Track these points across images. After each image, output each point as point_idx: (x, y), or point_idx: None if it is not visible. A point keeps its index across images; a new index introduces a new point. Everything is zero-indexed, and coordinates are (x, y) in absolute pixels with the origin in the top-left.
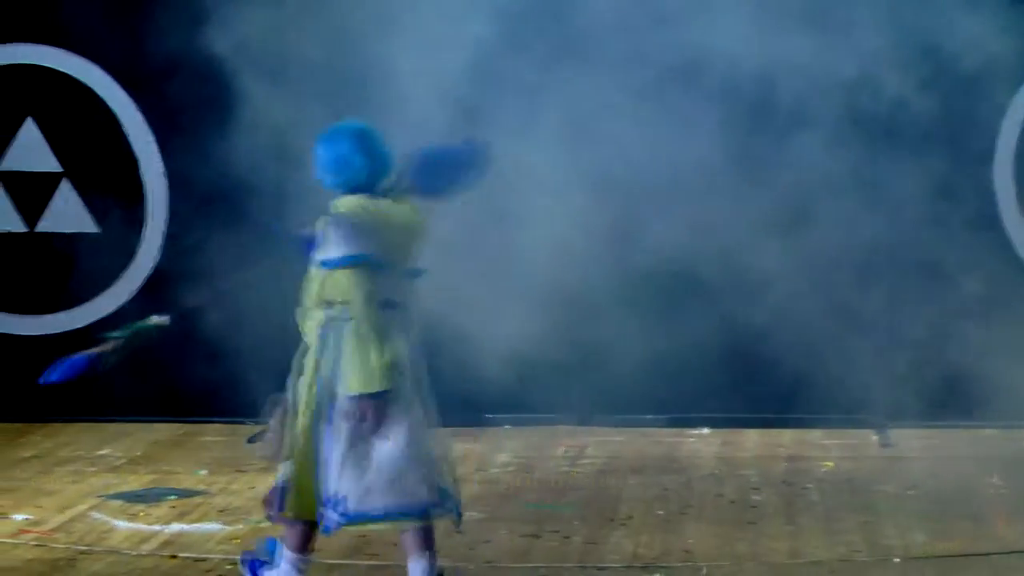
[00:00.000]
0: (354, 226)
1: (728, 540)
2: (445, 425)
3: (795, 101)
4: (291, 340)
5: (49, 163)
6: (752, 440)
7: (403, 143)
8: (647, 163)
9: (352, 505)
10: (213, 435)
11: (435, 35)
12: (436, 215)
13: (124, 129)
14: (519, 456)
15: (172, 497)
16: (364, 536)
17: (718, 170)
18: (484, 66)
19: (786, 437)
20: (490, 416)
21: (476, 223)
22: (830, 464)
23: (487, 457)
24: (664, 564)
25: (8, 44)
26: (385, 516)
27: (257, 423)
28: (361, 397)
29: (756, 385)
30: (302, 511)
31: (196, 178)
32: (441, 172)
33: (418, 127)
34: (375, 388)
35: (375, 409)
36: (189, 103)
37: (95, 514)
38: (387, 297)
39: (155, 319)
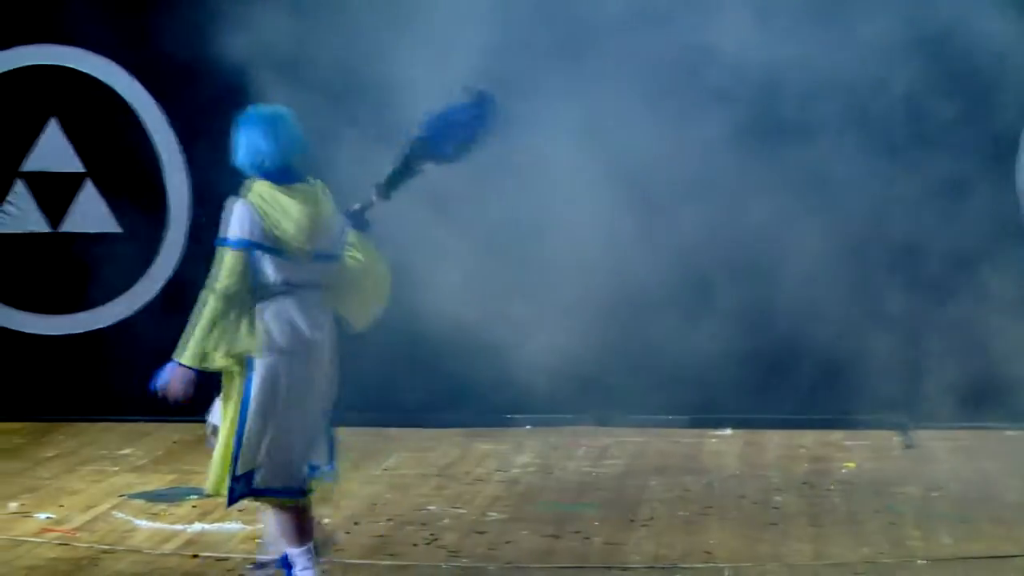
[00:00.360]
0: (246, 213)
1: (751, 541)
2: (467, 426)
3: (822, 97)
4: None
5: (72, 164)
6: (774, 441)
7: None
8: (667, 166)
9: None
10: None
11: (454, 38)
12: (460, 217)
13: (147, 130)
14: (540, 457)
15: (194, 497)
16: (384, 536)
17: (741, 171)
18: (503, 69)
19: (808, 438)
20: (511, 417)
21: (498, 225)
22: (853, 465)
23: (508, 458)
24: (686, 565)
25: (32, 45)
26: (273, 493)
27: None
28: (179, 363)
29: (778, 386)
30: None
31: (219, 179)
32: (452, 133)
33: None
34: (187, 361)
35: (182, 379)
36: (212, 104)
37: (117, 513)
38: (286, 279)
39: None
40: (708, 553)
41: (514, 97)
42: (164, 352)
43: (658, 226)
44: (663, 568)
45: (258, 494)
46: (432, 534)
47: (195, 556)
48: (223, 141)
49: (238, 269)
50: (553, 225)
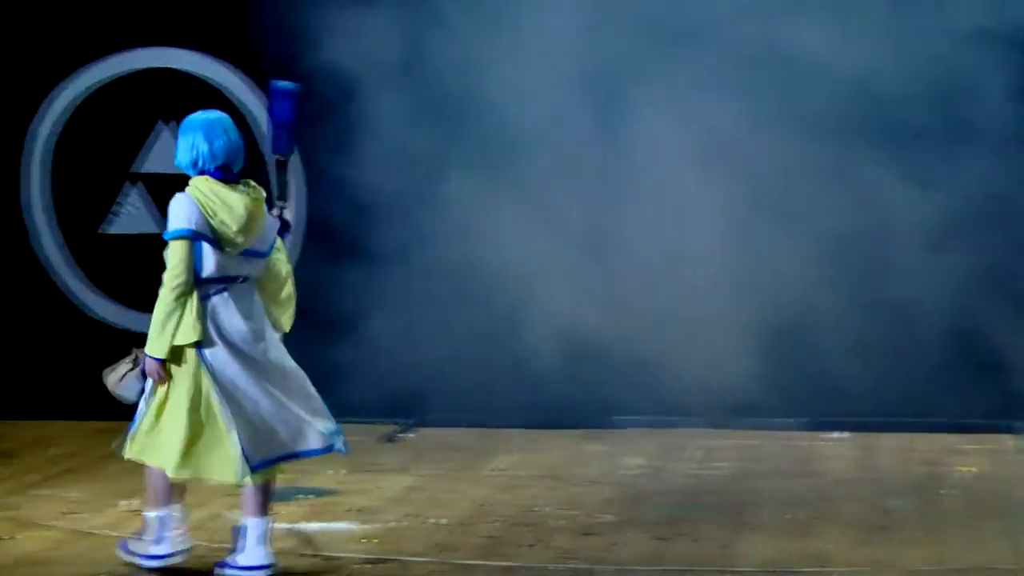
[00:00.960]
0: (187, 204)
1: (865, 546)
2: (574, 427)
3: (956, 114)
4: (424, 338)
5: None
6: (889, 444)
7: (535, 159)
8: (796, 179)
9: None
10: (347, 435)
11: (568, 54)
12: (569, 219)
13: (257, 133)
14: (651, 459)
15: (307, 496)
16: (494, 537)
17: (875, 178)
18: (622, 86)
19: (924, 441)
20: (620, 418)
21: (608, 226)
22: (971, 469)
23: (618, 460)
24: (799, 570)
25: (145, 48)
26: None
27: (395, 423)
28: (148, 357)
29: (894, 388)
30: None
31: (330, 180)
32: (280, 131)
33: (554, 147)
34: (155, 353)
35: (159, 369)
36: (322, 108)
37: (230, 513)
38: (223, 272)
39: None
40: (821, 558)
41: (633, 111)
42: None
43: (767, 233)
44: (774, 572)
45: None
46: (542, 536)
47: (306, 555)
48: (335, 144)
49: (186, 258)
50: (667, 227)
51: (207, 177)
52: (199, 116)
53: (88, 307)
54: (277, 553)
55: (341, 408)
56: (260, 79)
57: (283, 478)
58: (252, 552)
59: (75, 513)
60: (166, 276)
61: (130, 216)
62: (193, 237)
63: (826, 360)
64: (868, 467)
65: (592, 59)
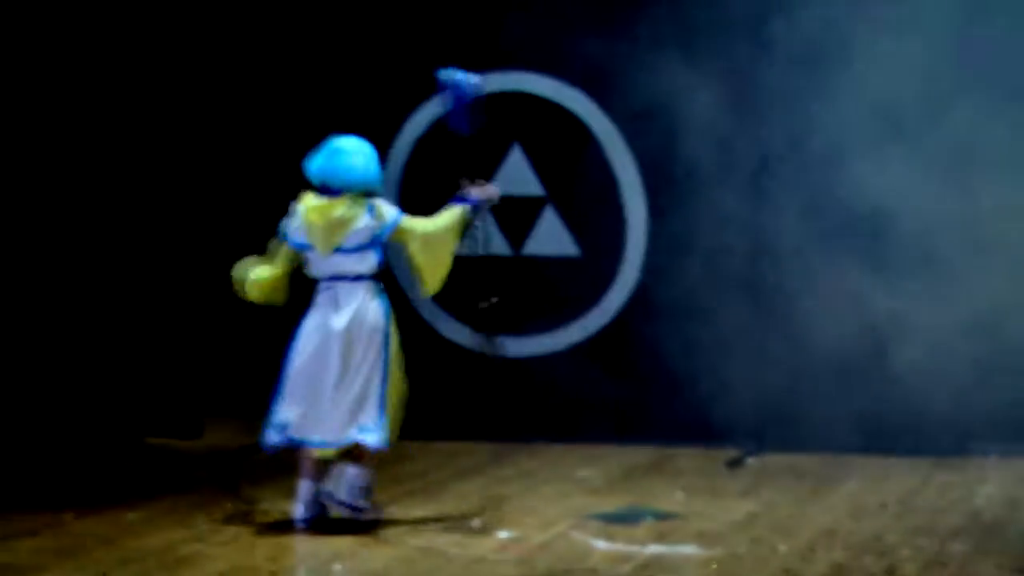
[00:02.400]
0: (291, 214)
1: None
2: (928, 454)
3: None
4: (753, 364)
5: (533, 188)
6: None
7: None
8: None
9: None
10: (689, 459)
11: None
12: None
13: (607, 157)
14: (1007, 488)
15: (650, 519)
16: (841, 564)
17: None
18: None
19: None
20: (976, 445)
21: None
22: None
23: (971, 488)
24: None
25: (500, 71)
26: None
27: (736, 448)
28: None
29: None
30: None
31: (673, 206)
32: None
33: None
34: None
35: None
36: (671, 133)
37: (575, 533)
38: (315, 272)
39: None
40: None
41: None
42: (619, 374)
43: None
44: None
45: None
46: (891, 564)
47: None
48: (680, 171)
49: (287, 255)
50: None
51: (313, 193)
52: (332, 141)
53: (438, 328)
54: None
55: (681, 433)
56: (609, 103)
57: (629, 500)
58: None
59: (424, 531)
60: None
61: (474, 238)
62: (289, 241)
63: None
64: None
65: None
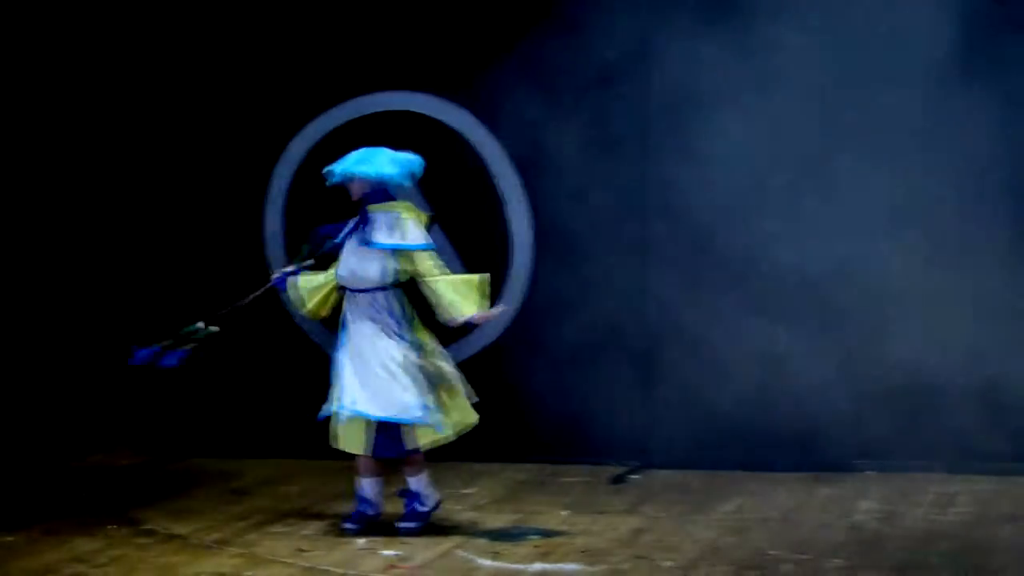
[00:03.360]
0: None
1: None
2: (810, 470)
3: None
4: (654, 378)
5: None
6: None
7: None
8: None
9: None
10: (573, 477)
11: None
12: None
13: (492, 173)
14: (885, 503)
15: (534, 537)
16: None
17: None
18: None
19: None
20: (856, 461)
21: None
22: None
23: (852, 503)
24: None
25: (385, 91)
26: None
27: (620, 465)
28: None
29: None
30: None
31: (560, 219)
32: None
33: None
34: None
35: None
36: (554, 148)
37: (460, 552)
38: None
39: (204, 326)
40: None
41: None
42: (512, 392)
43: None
44: None
45: None
46: None
47: None
48: (564, 191)
49: None
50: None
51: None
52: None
53: (325, 346)
54: None
55: (567, 450)
56: (491, 120)
57: (514, 519)
58: None
59: (310, 551)
60: None
61: None
62: None
63: None
64: None
65: None
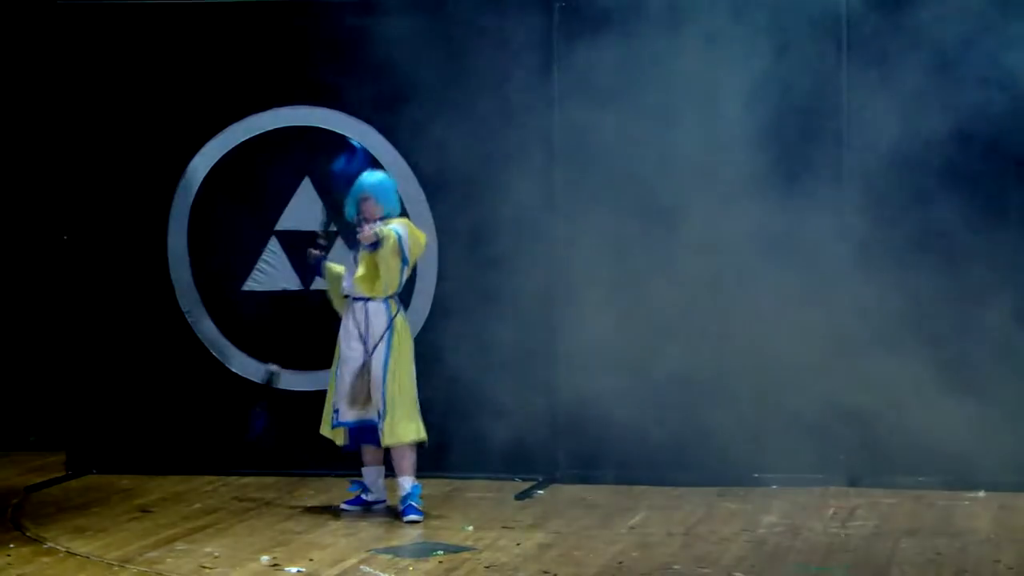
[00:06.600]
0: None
1: None
2: (714, 484)
3: None
4: (561, 397)
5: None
6: None
7: None
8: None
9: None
10: (479, 492)
11: None
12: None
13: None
14: (787, 517)
15: (440, 552)
16: None
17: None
18: None
19: None
20: (758, 476)
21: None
22: None
23: (754, 517)
24: None
25: (291, 105)
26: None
27: (525, 480)
28: None
29: None
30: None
31: (462, 230)
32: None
33: None
34: None
35: None
36: (456, 162)
37: (365, 568)
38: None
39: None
40: None
41: None
42: (423, 407)
43: (912, 290)
44: None
45: None
46: None
47: None
48: (461, 198)
49: None
50: (811, 288)
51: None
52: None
53: (229, 363)
54: None
55: (472, 465)
56: (395, 136)
57: (417, 534)
58: None
59: (213, 568)
60: None
61: (271, 273)
62: None
63: (964, 418)
64: (1010, 527)
65: None
